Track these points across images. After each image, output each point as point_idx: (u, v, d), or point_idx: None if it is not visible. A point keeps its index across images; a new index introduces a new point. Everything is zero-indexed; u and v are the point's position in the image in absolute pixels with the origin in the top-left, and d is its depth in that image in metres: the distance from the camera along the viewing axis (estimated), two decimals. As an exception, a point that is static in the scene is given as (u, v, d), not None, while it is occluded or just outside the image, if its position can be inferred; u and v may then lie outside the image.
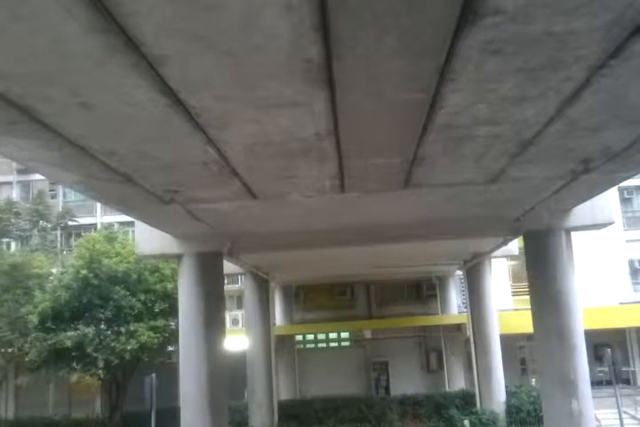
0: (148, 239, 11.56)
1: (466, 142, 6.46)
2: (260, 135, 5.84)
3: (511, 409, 18.70)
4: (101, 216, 33.63)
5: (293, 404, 22.02)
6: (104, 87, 4.54)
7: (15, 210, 21.63)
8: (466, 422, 18.63)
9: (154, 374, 13.28)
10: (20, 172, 35.25)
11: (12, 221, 20.83)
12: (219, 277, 12.01)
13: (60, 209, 31.83)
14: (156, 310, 19.84)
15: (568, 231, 11.52)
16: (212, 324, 11.41)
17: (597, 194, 10.10)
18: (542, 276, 11.28)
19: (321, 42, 3.98)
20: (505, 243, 13.85)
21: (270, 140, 6.01)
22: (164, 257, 13.61)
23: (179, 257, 11.70)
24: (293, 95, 4.89)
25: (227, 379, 11.80)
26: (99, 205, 34.37)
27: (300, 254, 14.82)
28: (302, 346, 26.70)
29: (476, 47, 4.18)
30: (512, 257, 21.25)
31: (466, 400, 20.28)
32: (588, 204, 10.75)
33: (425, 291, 25.71)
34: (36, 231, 21.78)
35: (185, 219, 9.57)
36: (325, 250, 13.75)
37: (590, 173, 7.78)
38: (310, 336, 26.88)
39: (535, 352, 13.92)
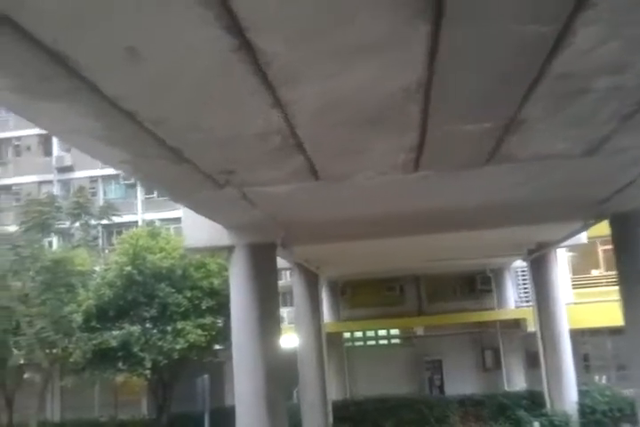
0: (197, 231, 10.77)
1: (577, 98, 5.44)
2: (335, 93, 4.93)
3: (585, 410, 17.42)
4: (142, 213, 33.34)
5: (345, 404, 21.06)
6: (158, 24, 3.67)
7: (57, 204, 21.11)
8: (536, 424, 17.33)
9: (206, 375, 12.52)
10: (59, 170, 35.25)
11: (54, 214, 20.28)
12: (272, 271, 11.16)
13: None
14: (203, 308, 19.13)
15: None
16: (268, 320, 10.55)
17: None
18: (633, 262, 10.13)
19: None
20: (585, 228, 12.68)
21: (346, 99, 5.09)
22: (214, 249, 12.85)
23: (229, 249, 10.88)
24: (390, 34, 3.95)
25: (283, 378, 10.96)
26: (140, 202, 34.15)
27: (351, 247, 13.93)
28: (351, 344, 25.79)
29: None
30: (571, 247, 20.02)
31: (532, 401, 18.93)
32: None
33: (479, 285, 24.48)
34: (77, 225, 21.25)
35: (238, 205, 8.75)
36: (378, 242, 12.82)
37: None
38: (358, 334, 25.94)
39: (623, 347, 12.71)
